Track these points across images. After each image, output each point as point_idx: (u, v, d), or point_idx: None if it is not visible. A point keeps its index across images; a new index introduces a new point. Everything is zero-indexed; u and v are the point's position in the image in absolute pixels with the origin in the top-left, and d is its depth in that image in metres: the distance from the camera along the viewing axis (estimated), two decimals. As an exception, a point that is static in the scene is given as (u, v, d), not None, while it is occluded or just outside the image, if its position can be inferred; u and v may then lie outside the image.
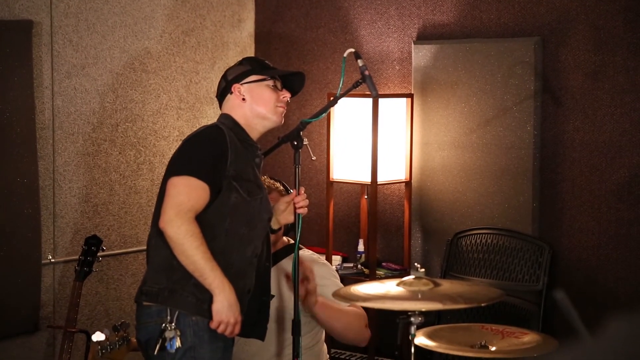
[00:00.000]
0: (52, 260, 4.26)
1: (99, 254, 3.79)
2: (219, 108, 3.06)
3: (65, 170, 4.32)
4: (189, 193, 2.71)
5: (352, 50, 2.77)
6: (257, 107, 2.93)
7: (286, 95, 2.97)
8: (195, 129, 2.97)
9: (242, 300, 2.83)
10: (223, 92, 2.99)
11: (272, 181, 3.44)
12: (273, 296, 3.27)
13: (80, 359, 4.07)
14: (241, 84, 2.95)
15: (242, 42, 5.10)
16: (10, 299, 4.08)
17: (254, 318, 2.98)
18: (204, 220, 2.74)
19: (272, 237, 3.33)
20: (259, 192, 2.88)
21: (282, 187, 3.44)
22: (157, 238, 2.79)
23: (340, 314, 3.29)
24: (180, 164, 2.80)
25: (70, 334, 3.70)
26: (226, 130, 2.85)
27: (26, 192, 4.13)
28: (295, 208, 2.99)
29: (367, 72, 2.70)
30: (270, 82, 2.96)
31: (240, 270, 2.83)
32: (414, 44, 4.58)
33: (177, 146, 2.93)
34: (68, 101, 4.32)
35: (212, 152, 2.78)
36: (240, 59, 3.10)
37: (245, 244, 2.84)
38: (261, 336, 3.04)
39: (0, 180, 4.04)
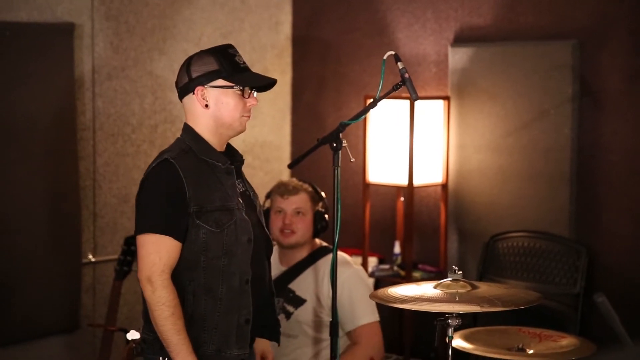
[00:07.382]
0: (92, 260, 4.32)
1: (138, 253, 3.84)
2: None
3: (105, 171, 4.38)
4: (158, 252, 2.59)
5: (392, 52, 2.77)
6: (221, 117, 2.70)
7: (253, 102, 2.72)
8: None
9: (242, 333, 2.71)
10: (185, 89, 2.74)
11: (300, 182, 3.46)
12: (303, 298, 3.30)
13: (120, 358, 4.12)
14: (205, 87, 2.70)
15: (279, 45, 5.14)
16: (51, 297, 4.15)
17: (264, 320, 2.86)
18: (181, 262, 2.64)
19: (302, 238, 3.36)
20: (230, 217, 2.67)
21: (311, 189, 3.46)
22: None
23: None
24: (141, 220, 2.65)
25: (110, 333, 3.76)
26: (179, 161, 2.65)
27: (67, 192, 4.20)
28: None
29: (407, 75, 2.69)
30: (239, 89, 2.70)
31: (231, 304, 2.68)
32: (451, 46, 4.58)
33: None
34: (108, 102, 4.38)
35: (168, 198, 2.62)
36: (207, 48, 2.76)
37: (229, 275, 2.67)
38: (276, 338, 2.92)
39: (41, 180, 4.12)
